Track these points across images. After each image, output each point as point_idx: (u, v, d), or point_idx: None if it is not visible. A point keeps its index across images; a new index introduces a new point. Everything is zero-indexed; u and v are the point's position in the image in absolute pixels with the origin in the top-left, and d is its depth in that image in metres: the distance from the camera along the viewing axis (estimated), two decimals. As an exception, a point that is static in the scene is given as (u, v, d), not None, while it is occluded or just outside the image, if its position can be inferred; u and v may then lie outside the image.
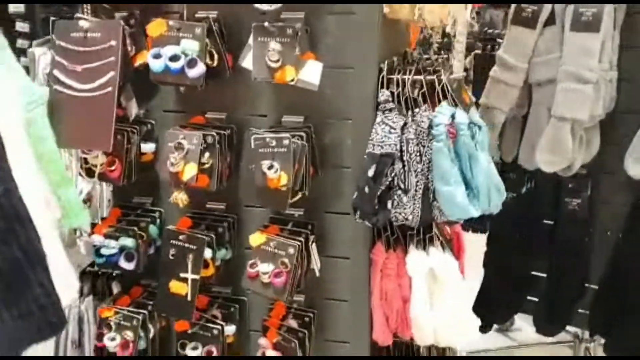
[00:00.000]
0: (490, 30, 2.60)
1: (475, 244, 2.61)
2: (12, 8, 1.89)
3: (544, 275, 2.46)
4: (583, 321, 2.47)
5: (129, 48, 1.45)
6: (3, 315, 0.85)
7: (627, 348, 2.35)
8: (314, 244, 1.52)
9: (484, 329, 2.62)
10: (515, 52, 2.25)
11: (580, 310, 2.45)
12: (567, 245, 2.40)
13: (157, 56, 1.38)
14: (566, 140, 2.15)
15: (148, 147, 1.55)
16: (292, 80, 1.35)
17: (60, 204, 1.36)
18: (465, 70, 3.09)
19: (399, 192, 1.43)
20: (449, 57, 1.54)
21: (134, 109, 1.54)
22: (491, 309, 2.61)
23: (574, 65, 2.10)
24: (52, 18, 1.67)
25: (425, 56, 1.56)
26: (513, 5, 2.25)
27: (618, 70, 2.19)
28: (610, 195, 2.30)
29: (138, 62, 1.46)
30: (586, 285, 2.44)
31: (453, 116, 1.39)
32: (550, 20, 2.19)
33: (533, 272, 2.50)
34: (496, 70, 2.30)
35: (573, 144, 2.17)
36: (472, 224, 2.75)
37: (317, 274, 1.54)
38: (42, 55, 1.68)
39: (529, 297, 2.56)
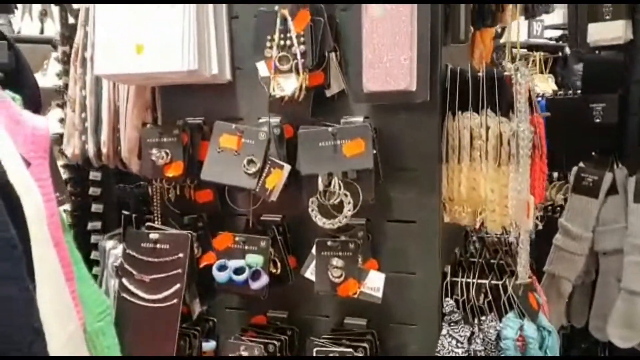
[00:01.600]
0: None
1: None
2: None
3: None
4: None
5: (196, 251, 1.50)
6: None
7: None
8: None
9: None
10: (578, 221, 2.22)
11: None
12: None
13: (222, 268, 1.40)
14: (638, 315, 2.06)
15: (209, 346, 1.55)
16: (355, 294, 1.34)
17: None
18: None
19: (467, 405, 1.36)
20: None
21: (197, 308, 1.56)
22: None
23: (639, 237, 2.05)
24: (124, 212, 1.76)
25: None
26: (573, 174, 2.25)
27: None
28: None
29: (203, 264, 1.49)
30: None
31: (521, 327, 1.35)
32: (613, 190, 2.18)
33: None
34: (559, 238, 2.26)
35: (647, 319, 2.06)
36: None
37: None
38: (112, 249, 1.75)
39: None
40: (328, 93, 1.40)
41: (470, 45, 1.76)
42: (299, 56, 1.27)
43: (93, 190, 1.88)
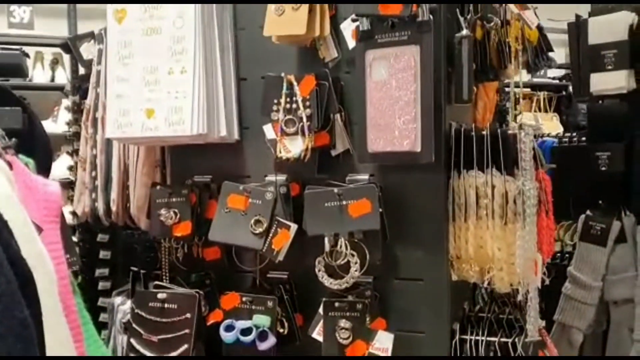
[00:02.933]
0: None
1: None
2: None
3: None
4: None
5: (203, 310, 1.50)
6: None
7: None
8: None
9: None
10: (587, 270, 2.21)
11: None
12: None
13: (229, 329, 1.40)
14: (653, 366, 2.03)
15: (217, 407, 1.54)
16: (364, 354, 1.34)
17: None
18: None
19: None
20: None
21: (205, 366, 1.55)
22: None
23: (651, 286, 2.04)
24: (132, 269, 1.77)
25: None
26: (580, 222, 2.24)
27: (700, 288, 2.08)
28: None
29: (210, 322, 1.49)
30: None
31: (532, 388, 1.33)
32: (621, 238, 2.17)
33: None
34: (569, 287, 2.24)
35: (662, 370, 2.03)
36: None
37: None
38: (120, 305, 1.76)
39: None
40: (333, 152, 1.42)
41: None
42: (304, 119, 1.30)
43: (103, 254, 1.91)
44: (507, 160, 1.38)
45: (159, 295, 1.44)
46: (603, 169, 2.22)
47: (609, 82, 2.21)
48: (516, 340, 1.41)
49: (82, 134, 1.68)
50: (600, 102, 2.32)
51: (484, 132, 1.39)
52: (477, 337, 1.44)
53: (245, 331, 1.39)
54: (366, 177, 1.42)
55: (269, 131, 1.33)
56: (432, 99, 1.32)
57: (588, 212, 2.26)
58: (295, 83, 1.31)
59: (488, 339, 1.44)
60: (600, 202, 2.27)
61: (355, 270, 1.33)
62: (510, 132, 1.40)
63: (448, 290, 1.43)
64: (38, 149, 1.70)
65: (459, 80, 1.37)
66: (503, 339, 1.43)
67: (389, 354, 1.36)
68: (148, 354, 1.42)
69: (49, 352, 0.89)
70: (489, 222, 1.37)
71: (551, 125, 4.25)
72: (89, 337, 1.27)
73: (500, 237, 1.37)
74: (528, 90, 4.64)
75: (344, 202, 1.32)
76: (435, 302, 1.43)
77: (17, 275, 0.82)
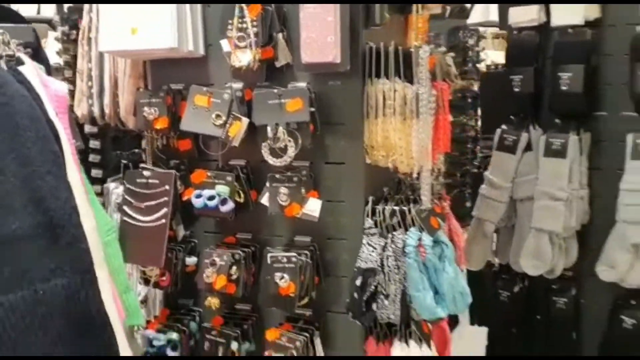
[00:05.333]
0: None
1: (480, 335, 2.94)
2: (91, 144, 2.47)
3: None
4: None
5: (179, 187, 1.96)
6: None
7: None
8: (318, 338, 1.92)
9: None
10: (499, 174, 2.67)
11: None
12: (558, 341, 2.71)
13: (198, 196, 1.87)
14: (545, 248, 2.51)
15: (191, 261, 2.02)
16: (298, 214, 1.81)
17: (125, 306, 1.81)
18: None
19: (382, 297, 1.83)
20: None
21: (181, 231, 2.02)
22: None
23: (547, 185, 2.50)
24: (123, 161, 2.22)
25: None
26: (497, 135, 2.70)
27: (590, 189, 2.56)
28: (594, 295, 2.62)
29: (185, 198, 1.95)
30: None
31: (420, 238, 1.81)
32: (528, 147, 2.63)
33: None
34: (484, 188, 2.71)
35: (552, 251, 2.52)
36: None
37: (321, 363, 1.93)
38: (114, 189, 2.21)
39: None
40: (277, 64, 1.85)
41: (404, 27, 2.20)
42: (252, 36, 1.73)
43: (93, 144, 2.35)
44: (407, 71, 1.83)
45: (145, 173, 1.89)
46: (516, 90, 2.66)
47: (524, 15, 2.63)
48: (411, 207, 1.88)
49: (78, 51, 2.10)
50: (516, 33, 2.73)
51: (390, 49, 1.82)
52: (384, 206, 1.91)
53: (211, 198, 1.86)
54: (304, 84, 1.85)
55: (225, 45, 1.76)
56: (348, 23, 1.74)
57: (503, 126, 2.71)
58: (245, 7, 1.73)
59: (393, 207, 1.91)
60: (512, 117, 2.72)
61: (292, 152, 1.78)
62: (411, 50, 1.84)
63: (363, 170, 1.89)
64: (43, 62, 2.11)
65: (371, 8, 1.79)
66: (404, 207, 1.90)
67: (317, 215, 1.83)
68: (137, 217, 1.89)
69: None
70: (392, 119, 1.83)
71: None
72: (93, 200, 1.71)
73: (400, 130, 1.83)
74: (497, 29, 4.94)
75: (283, 100, 1.76)
76: (354, 180, 1.90)
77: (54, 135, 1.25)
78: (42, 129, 1.21)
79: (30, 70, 1.36)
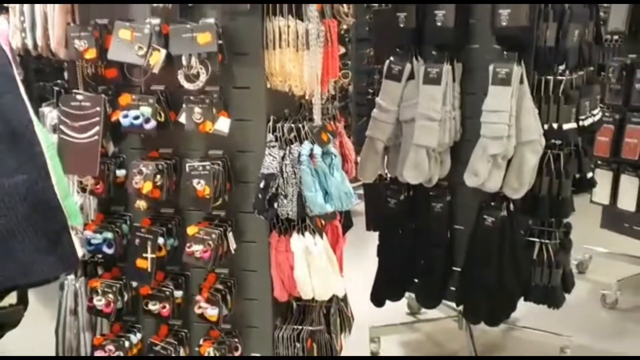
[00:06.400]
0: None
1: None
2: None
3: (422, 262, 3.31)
4: (453, 296, 3.32)
5: (108, 110, 2.29)
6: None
7: (477, 313, 3.22)
8: (230, 232, 2.35)
9: (379, 303, 3.44)
10: (388, 99, 3.12)
11: (452, 288, 3.29)
12: (435, 238, 3.25)
13: (125, 116, 2.22)
14: (423, 161, 3.01)
15: (121, 173, 2.38)
16: (210, 130, 2.20)
17: (66, 210, 2.16)
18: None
19: (282, 197, 2.27)
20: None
21: (111, 148, 2.38)
22: (384, 288, 3.45)
23: (425, 108, 2.96)
24: (55, 88, 2.51)
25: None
26: (385, 65, 3.13)
27: (462, 110, 3.06)
28: (464, 200, 3.16)
29: (113, 119, 2.29)
30: (453, 268, 3.29)
31: (312, 149, 2.25)
32: (411, 76, 3.08)
33: (415, 259, 3.34)
34: (375, 112, 3.17)
35: (429, 164, 3.03)
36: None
37: (233, 252, 2.38)
38: (49, 112, 2.51)
39: (414, 279, 3.40)
40: (190, 4, 2.19)
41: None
42: (167, -21, 2.06)
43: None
44: (299, 10, 2.21)
45: (78, 97, 2.22)
46: (401, 25, 3.08)
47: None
48: (305, 124, 2.30)
49: (11, -12, 2.34)
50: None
51: (284, -8, 2.19)
52: (283, 124, 2.32)
53: (136, 118, 2.21)
54: (212, 20, 2.20)
55: (145, -13, 2.09)
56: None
57: (391, 57, 3.14)
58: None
59: (291, 124, 2.32)
60: (398, 50, 3.16)
61: (203, 78, 2.15)
62: (303, -8, 2.21)
63: (265, 94, 2.29)
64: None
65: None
66: (300, 124, 2.32)
67: (226, 131, 2.22)
68: (73, 134, 2.22)
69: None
70: (287, 50, 2.22)
71: None
72: (37, 122, 2.03)
73: (294, 60, 2.22)
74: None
75: (194, 34, 2.11)
76: (257, 101, 2.29)
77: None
78: (1, 58, 1.53)
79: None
